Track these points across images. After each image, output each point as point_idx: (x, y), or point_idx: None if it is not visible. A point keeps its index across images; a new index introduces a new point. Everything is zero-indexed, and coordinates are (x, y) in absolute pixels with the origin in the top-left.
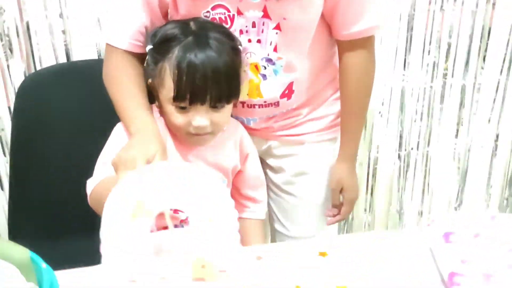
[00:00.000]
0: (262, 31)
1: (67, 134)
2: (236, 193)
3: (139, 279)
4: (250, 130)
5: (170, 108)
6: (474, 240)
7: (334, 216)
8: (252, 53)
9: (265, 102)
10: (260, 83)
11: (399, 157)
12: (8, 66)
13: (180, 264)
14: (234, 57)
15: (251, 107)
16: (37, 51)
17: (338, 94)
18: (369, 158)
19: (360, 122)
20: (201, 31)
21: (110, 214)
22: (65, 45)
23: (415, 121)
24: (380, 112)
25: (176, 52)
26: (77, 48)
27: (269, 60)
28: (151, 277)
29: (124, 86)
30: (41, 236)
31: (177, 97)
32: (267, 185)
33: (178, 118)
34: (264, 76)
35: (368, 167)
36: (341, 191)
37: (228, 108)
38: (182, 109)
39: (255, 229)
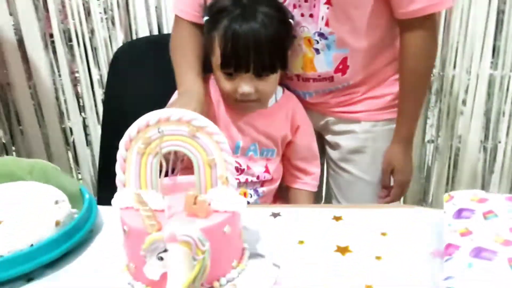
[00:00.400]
0: (314, 6)
1: (153, 97)
2: (288, 164)
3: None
4: (307, 105)
5: (219, 75)
6: (481, 216)
7: (384, 197)
8: (305, 27)
9: (319, 76)
10: (313, 57)
11: (484, 149)
12: (109, 36)
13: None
14: (281, 30)
15: (305, 80)
16: (134, 24)
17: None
18: (450, 149)
19: (416, 104)
20: (250, 4)
21: None
22: (157, 19)
23: (503, 113)
24: (463, 101)
25: (224, 22)
26: (169, 22)
27: (321, 35)
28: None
29: (182, 53)
30: None
31: (224, 65)
32: (326, 161)
33: (226, 84)
34: (317, 50)
35: (450, 158)
36: (392, 172)
37: (273, 77)
38: (229, 76)
39: (305, 200)
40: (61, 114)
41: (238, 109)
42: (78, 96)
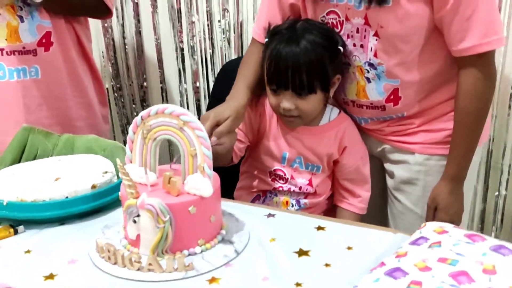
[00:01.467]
0: (365, 37)
1: None
2: (336, 182)
3: None
4: (366, 131)
5: (268, 90)
6: (428, 245)
7: None
8: (357, 56)
9: (371, 104)
10: (365, 85)
11: None
12: (225, 54)
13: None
14: (323, 56)
15: (360, 106)
16: (246, 44)
17: None
18: None
19: (467, 145)
20: (300, 30)
21: None
22: None
23: None
24: None
25: (274, 44)
26: None
27: (371, 65)
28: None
29: (243, 67)
30: None
31: (269, 81)
32: (386, 188)
33: (272, 99)
34: (368, 79)
35: None
36: (435, 209)
37: (314, 97)
38: (274, 91)
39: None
40: None
41: (284, 123)
42: (197, 103)
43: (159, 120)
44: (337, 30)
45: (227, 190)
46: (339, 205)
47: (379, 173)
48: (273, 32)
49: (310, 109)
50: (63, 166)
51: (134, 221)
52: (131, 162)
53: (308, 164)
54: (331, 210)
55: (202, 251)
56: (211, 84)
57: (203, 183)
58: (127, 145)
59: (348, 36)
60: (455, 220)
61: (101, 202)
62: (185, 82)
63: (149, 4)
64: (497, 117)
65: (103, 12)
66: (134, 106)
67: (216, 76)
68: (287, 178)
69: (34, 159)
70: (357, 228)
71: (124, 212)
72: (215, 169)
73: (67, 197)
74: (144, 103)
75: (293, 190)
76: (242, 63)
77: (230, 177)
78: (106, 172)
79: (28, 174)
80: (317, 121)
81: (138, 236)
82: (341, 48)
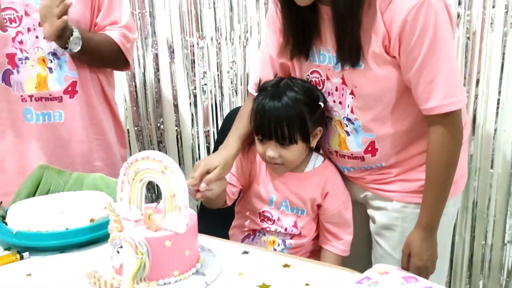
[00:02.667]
0: (342, 95)
1: None
2: (321, 225)
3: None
4: (350, 178)
5: (256, 139)
6: (368, 283)
7: None
8: (337, 112)
9: (352, 154)
10: (345, 138)
11: None
12: (233, 102)
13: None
14: (303, 111)
15: (342, 156)
16: None
17: None
18: None
19: (437, 195)
20: (283, 88)
21: None
22: None
23: None
24: None
25: (259, 98)
26: None
27: (349, 120)
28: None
29: (237, 119)
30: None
31: (255, 131)
32: (371, 233)
33: (259, 147)
34: (347, 133)
35: None
36: (409, 255)
37: (296, 147)
38: (260, 141)
39: (332, 262)
40: (193, 157)
41: (271, 169)
42: (207, 145)
43: (145, 164)
44: (320, 88)
45: (225, 227)
46: (323, 246)
47: (363, 218)
48: (261, 88)
49: (292, 158)
50: (70, 201)
51: (118, 252)
52: (121, 200)
53: (293, 207)
54: (317, 251)
55: (176, 281)
56: (219, 129)
57: (179, 220)
58: (118, 185)
59: (328, 94)
60: (429, 266)
61: (98, 234)
62: (197, 126)
63: (167, 55)
64: (481, 169)
65: (123, 65)
66: (152, 146)
67: (224, 119)
68: (274, 220)
69: (47, 193)
70: (319, 267)
71: (110, 243)
72: (214, 209)
73: (67, 228)
74: (161, 143)
75: (280, 231)
76: (238, 114)
77: (227, 216)
78: (105, 208)
79: (38, 207)
80: (302, 167)
81: (121, 265)
82: (321, 103)
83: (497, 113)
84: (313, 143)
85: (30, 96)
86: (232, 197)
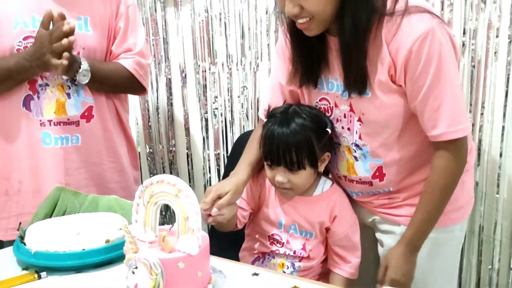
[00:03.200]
0: (350, 122)
1: None
2: (329, 248)
3: None
4: (359, 202)
5: (265, 164)
6: None
7: None
8: (345, 137)
9: (360, 179)
10: (354, 163)
11: None
12: (243, 126)
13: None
14: (310, 137)
15: (350, 181)
16: None
17: None
18: None
19: (427, 216)
20: (291, 114)
21: None
22: None
23: None
24: None
25: (268, 125)
26: None
27: (357, 146)
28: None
29: (249, 144)
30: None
31: (264, 157)
32: (379, 256)
33: (268, 172)
34: (355, 158)
35: None
36: (386, 269)
37: (304, 173)
38: (270, 166)
39: (339, 285)
40: (204, 179)
41: (280, 193)
42: (218, 168)
43: (159, 188)
44: (328, 114)
45: (235, 250)
46: (332, 269)
47: (372, 242)
48: (270, 115)
49: (301, 183)
50: (86, 222)
51: (133, 272)
52: (136, 222)
53: (302, 231)
54: (326, 274)
55: None
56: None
57: (191, 242)
58: (133, 207)
59: (337, 120)
60: (404, 283)
61: (113, 255)
62: (208, 149)
63: (180, 80)
64: (487, 194)
65: (139, 90)
66: (163, 168)
67: (233, 143)
68: (283, 243)
69: (63, 214)
70: None
71: (125, 264)
72: (227, 232)
73: (84, 249)
74: (173, 166)
75: (288, 254)
76: (249, 140)
77: (238, 238)
78: (120, 229)
79: (56, 228)
80: (311, 191)
81: (136, 285)
82: (328, 130)
83: (502, 139)
84: (321, 168)
85: (49, 121)
86: (243, 221)
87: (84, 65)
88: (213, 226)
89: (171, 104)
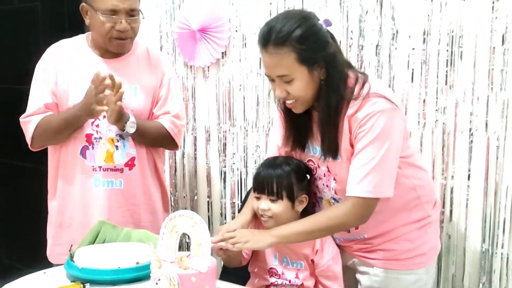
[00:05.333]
0: (328, 180)
1: None
2: (317, 279)
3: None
4: (342, 247)
5: (254, 197)
6: None
7: None
8: (325, 192)
9: None
10: None
11: None
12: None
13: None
14: (290, 175)
15: None
16: None
17: (408, 235)
18: None
19: (299, 232)
20: (278, 161)
21: None
22: None
23: None
24: None
25: (259, 169)
26: None
27: (334, 199)
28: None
29: (251, 193)
30: None
31: (253, 190)
32: None
33: (255, 204)
34: None
35: None
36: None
37: (282, 203)
38: (257, 198)
39: None
40: (221, 223)
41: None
42: (233, 215)
43: (180, 220)
44: (314, 173)
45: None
46: None
47: (353, 282)
48: (263, 163)
49: (279, 212)
50: (121, 248)
51: (156, 283)
52: (161, 247)
53: (293, 262)
54: None
55: None
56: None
57: (202, 263)
58: (160, 235)
59: (319, 178)
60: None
61: (141, 274)
62: (225, 198)
63: (204, 138)
64: (457, 246)
65: (173, 146)
66: None
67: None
68: (280, 274)
69: (103, 242)
70: None
71: (151, 276)
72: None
73: (119, 267)
74: (194, 211)
75: (286, 284)
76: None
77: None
78: (148, 255)
79: (98, 251)
80: None
81: None
82: (308, 175)
83: (467, 198)
84: (299, 208)
85: (99, 167)
86: (246, 257)
87: (132, 118)
88: (225, 266)
89: (195, 158)
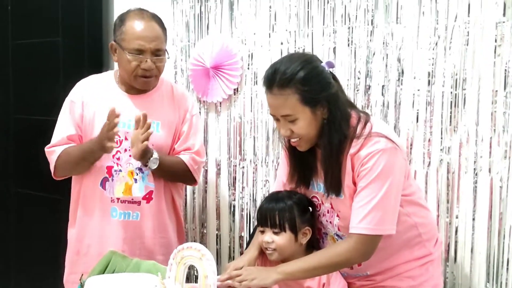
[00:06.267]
0: (331, 216)
1: None
2: None
3: None
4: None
5: (259, 232)
6: None
7: None
8: (329, 228)
9: None
10: None
11: None
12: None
13: None
14: (292, 208)
15: None
16: None
17: (410, 272)
18: None
19: (306, 269)
20: (281, 195)
21: None
22: None
23: None
24: None
25: (262, 203)
26: None
27: (338, 235)
28: None
29: (257, 229)
30: None
31: (257, 224)
32: None
33: (260, 238)
34: None
35: None
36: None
37: (285, 235)
38: (261, 232)
39: None
40: (230, 256)
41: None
42: (241, 250)
43: (188, 252)
44: (318, 209)
45: None
46: None
47: None
48: (266, 197)
49: (283, 245)
50: (130, 279)
51: None
52: (169, 277)
53: None
54: None
55: None
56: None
57: None
58: (168, 266)
59: (323, 214)
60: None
61: None
62: (234, 232)
63: (214, 172)
64: (462, 285)
65: (191, 181)
66: None
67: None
68: None
69: (113, 272)
70: None
71: None
72: None
73: None
74: (203, 244)
75: None
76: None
77: None
78: (156, 286)
79: (107, 281)
80: None
81: None
82: (310, 208)
83: (472, 237)
84: (303, 240)
85: (118, 199)
86: None
87: (155, 155)
88: None
89: (206, 191)
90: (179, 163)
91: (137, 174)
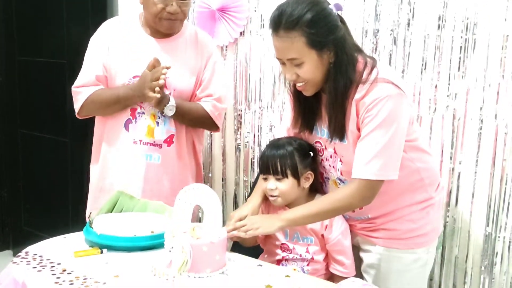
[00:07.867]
0: (334, 161)
1: None
2: (328, 253)
3: None
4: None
5: (261, 179)
6: None
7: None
8: (331, 173)
9: None
10: None
11: None
12: None
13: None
14: (293, 153)
15: None
16: None
17: (411, 215)
18: None
19: (308, 215)
20: (281, 142)
21: None
22: None
23: None
24: None
25: (264, 150)
26: None
27: (340, 180)
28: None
29: (260, 177)
30: None
31: (260, 172)
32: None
33: (263, 185)
34: None
35: None
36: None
37: (287, 181)
38: (264, 179)
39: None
40: (235, 202)
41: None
42: (246, 193)
43: (194, 192)
44: (321, 154)
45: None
46: (331, 271)
47: (357, 260)
48: (267, 145)
49: (286, 190)
50: (137, 218)
51: (170, 251)
52: (175, 217)
53: (303, 237)
54: (332, 277)
55: (207, 276)
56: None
57: (214, 234)
58: (174, 206)
59: (326, 159)
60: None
61: (155, 242)
62: (239, 176)
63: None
64: (462, 229)
65: (213, 128)
66: None
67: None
68: (291, 249)
69: (120, 211)
70: (310, 278)
71: (165, 244)
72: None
73: (135, 235)
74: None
75: (296, 258)
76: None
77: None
78: (162, 225)
79: (115, 220)
80: None
81: (171, 261)
82: (311, 153)
83: (474, 183)
84: (305, 185)
85: (140, 141)
86: (260, 237)
87: (172, 102)
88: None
89: (211, 135)
90: (199, 110)
91: (159, 117)
